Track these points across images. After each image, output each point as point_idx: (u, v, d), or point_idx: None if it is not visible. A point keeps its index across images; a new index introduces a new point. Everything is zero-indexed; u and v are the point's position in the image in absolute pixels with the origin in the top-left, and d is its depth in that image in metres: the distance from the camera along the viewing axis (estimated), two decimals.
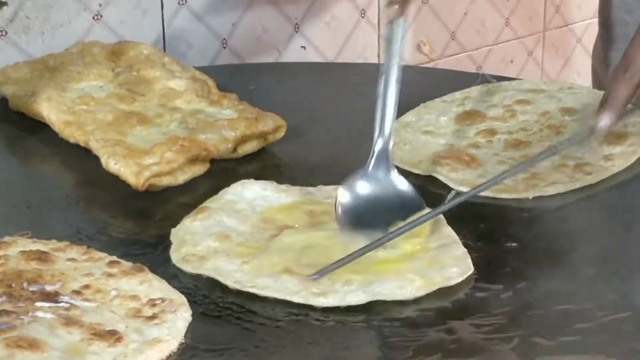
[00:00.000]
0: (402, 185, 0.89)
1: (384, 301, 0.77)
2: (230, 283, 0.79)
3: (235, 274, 0.80)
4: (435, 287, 0.78)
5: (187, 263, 0.82)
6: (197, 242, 0.85)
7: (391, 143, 0.89)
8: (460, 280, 0.79)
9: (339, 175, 0.97)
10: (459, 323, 0.74)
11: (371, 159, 0.89)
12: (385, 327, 0.74)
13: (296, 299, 0.76)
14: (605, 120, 0.92)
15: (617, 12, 1.36)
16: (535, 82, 1.22)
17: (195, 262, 0.82)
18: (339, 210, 0.86)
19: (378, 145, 0.89)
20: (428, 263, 0.81)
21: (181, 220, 0.89)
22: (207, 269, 0.81)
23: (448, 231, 0.85)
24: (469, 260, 0.81)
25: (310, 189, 0.94)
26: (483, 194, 0.95)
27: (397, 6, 0.92)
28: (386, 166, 0.89)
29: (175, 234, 0.87)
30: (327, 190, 0.93)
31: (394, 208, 0.87)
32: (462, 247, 0.83)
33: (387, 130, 0.89)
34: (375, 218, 0.86)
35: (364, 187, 0.88)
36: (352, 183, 0.88)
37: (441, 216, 0.87)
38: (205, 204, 0.90)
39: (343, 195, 0.87)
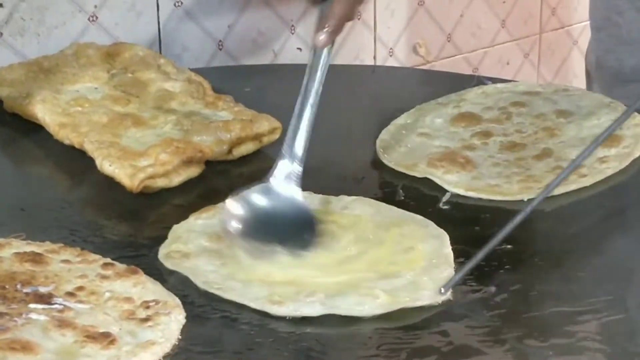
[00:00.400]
0: (302, 210, 0.87)
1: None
2: (199, 283, 0.79)
3: (209, 275, 0.80)
4: (398, 307, 0.76)
5: (169, 259, 0.83)
6: (189, 240, 0.85)
7: (301, 167, 0.89)
8: (428, 303, 0.77)
9: (334, 177, 0.98)
10: (453, 325, 0.74)
11: (271, 174, 0.88)
12: (379, 330, 0.74)
13: (253, 305, 0.76)
14: (322, 37, 0.92)
15: (608, 14, 1.36)
16: (531, 84, 1.22)
17: (177, 259, 0.83)
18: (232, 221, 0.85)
19: (286, 166, 0.88)
20: (406, 281, 0.80)
21: (176, 221, 0.89)
22: (184, 267, 0.81)
23: (447, 252, 0.84)
24: (450, 285, 0.79)
25: (331, 197, 0.93)
26: (478, 196, 0.95)
27: (325, 35, 0.92)
28: (290, 187, 0.88)
29: (175, 231, 0.87)
30: (346, 201, 0.93)
31: (286, 227, 0.87)
32: (452, 269, 0.81)
33: (299, 153, 0.89)
34: (267, 232, 0.85)
35: (260, 201, 0.87)
36: (249, 194, 0.87)
37: (446, 237, 0.86)
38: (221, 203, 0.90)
39: (235, 207, 0.86)
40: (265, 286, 0.78)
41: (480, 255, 0.81)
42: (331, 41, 0.93)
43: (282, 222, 0.87)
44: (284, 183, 0.88)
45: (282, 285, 0.79)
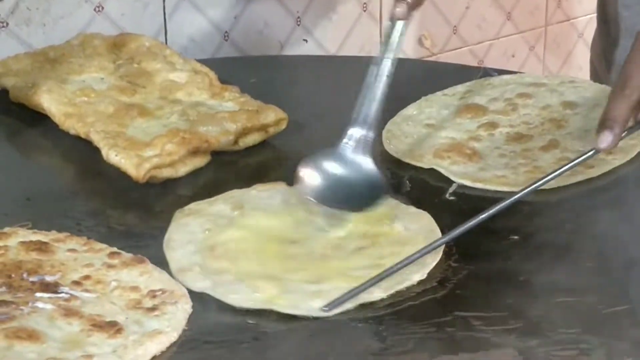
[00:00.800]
0: (371, 171, 0.89)
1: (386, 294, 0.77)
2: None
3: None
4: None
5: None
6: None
7: (373, 134, 0.90)
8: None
9: None
10: (459, 316, 0.74)
11: (347, 142, 0.89)
12: (386, 320, 0.74)
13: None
14: (606, 142, 0.93)
15: (616, 8, 1.36)
16: (537, 75, 1.22)
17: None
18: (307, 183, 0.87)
19: (357, 132, 0.90)
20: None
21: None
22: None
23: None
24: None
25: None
26: (485, 187, 0.95)
27: (404, 7, 0.92)
28: (363, 152, 0.89)
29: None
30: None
31: (358, 191, 0.89)
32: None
33: (370, 120, 0.90)
34: (340, 197, 0.87)
35: (335, 167, 0.89)
36: (322, 160, 0.89)
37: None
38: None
39: (310, 173, 0.88)
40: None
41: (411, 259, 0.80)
42: (409, 14, 0.93)
43: (352, 188, 0.88)
44: (355, 149, 0.89)
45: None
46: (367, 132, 0.90)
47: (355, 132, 0.90)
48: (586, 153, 0.94)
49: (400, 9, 0.93)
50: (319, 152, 0.90)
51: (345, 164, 0.89)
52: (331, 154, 0.89)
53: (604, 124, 0.93)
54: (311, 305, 0.75)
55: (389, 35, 0.93)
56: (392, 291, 0.77)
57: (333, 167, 0.89)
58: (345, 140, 0.90)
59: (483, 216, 0.85)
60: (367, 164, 0.89)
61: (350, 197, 0.88)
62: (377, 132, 0.92)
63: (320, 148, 0.91)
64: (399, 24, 0.93)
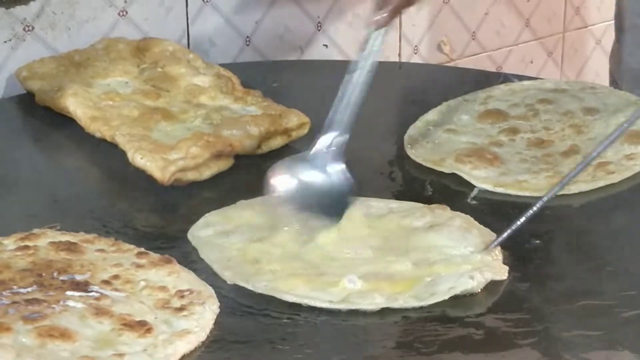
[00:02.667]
0: (342, 178, 0.88)
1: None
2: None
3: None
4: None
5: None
6: None
7: (343, 137, 0.89)
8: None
9: (362, 172, 0.98)
10: (483, 318, 0.75)
11: (316, 148, 0.88)
12: (411, 321, 0.75)
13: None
14: (378, 18, 0.91)
15: (633, 18, 1.37)
16: (557, 81, 1.23)
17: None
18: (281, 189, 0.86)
19: (326, 138, 0.88)
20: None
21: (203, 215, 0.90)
22: None
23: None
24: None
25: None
26: (506, 192, 0.95)
27: (385, 15, 0.92)
28: (335, 158, 0.88)
29: None
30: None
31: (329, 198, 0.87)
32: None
33: (341, 123, 0.89)
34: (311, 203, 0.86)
35: (309, 175, 0.87)
36: (293, 166, 0.87)
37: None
38: None
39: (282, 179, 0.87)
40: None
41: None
42: (386, 23, 0.92)
43: (319, 193, 0.87)
44: (324, 154, 0.88)
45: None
46: (340, 136, 0.88)
47: (329, 137, 0.88)
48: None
49: (380, 18, 0.92)
50: (289, 158, 0.89)
51: (317, 170, 0.87)
52: (302, 160, 0.88)
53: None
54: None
55: (367, 42, 0.92)
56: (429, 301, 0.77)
57: (305, 174, 0.87)
58: (317, 145, 0.88)
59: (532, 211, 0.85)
60: (338, 170, 0.88)
61: (322, 204, 0.87)
62: (349, 137, 0.90)
63: (348, 154, 0.90)
64: (379, 32, 0.92)
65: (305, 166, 0.87)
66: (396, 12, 0.93)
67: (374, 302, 0.76)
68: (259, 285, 0.78)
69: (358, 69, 0.90)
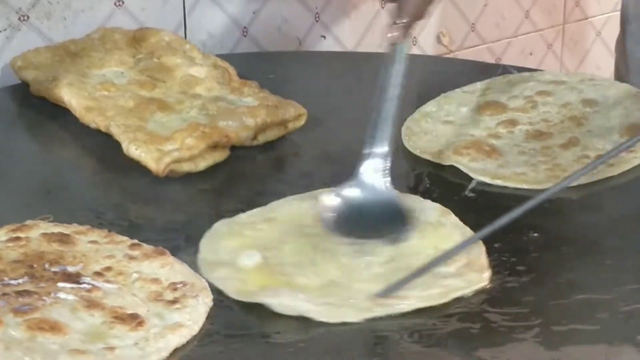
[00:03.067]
0: (394, 198, 0.87)
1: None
2: None
3: None
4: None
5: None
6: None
7: (387, 162, 0.88)
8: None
9: (355, 164, 0.97)
10: (480, 312, 0.74)
11: (362, 169, 0.87)
12: (407, 316, 0.74)
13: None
14: (395, 34, 0.92)
15: (636, 6, 1.36)
16: (557, 73, 1.22)
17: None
18: (326, 213, 0.85)
19: (378, 159, 0.88)
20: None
21: (201, 205, 0.89)
22: None
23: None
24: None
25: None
26: (504, 184, 0.95)
27: (401, 29, 0.92)
28: (382, 178, 0.87)
29: None
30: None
31: (382, 219, 0.86)
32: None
33: (382, 149, 0.88)
34: (363, 225, 0.85)
35: (355, 194, 0.87)
36: (345, 189, 0.87)
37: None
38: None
39: (332, 199, 0.86)
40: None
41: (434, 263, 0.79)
42: (406, 35, 0.92)
43: (374, 216, 0.86)
44: (373, 178, 0.87)
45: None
46: (381, 160, 0.88)
47: (369, 164, 0.88)
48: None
49: (397, 33, 0.92)
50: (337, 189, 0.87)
51: (366, 192, 0.87)
52: (351, 184, 0.87)
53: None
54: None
55: (391, 61, 0.91)
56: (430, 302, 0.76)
57: (353, 195, 0.86)
58: (360, 170, 0.87)
59: (527, 206, 0.83)
60: (388, 191, 0.87)
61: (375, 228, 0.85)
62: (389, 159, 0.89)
63: (339, 146, 0.90)
64: (401, 47, 0.92)
65: (355, 190, 0.87)
66: (409, 26, 0.93)
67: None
68: None
69: (391, 86, 0.90)
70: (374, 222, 0.86)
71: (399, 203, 0.86)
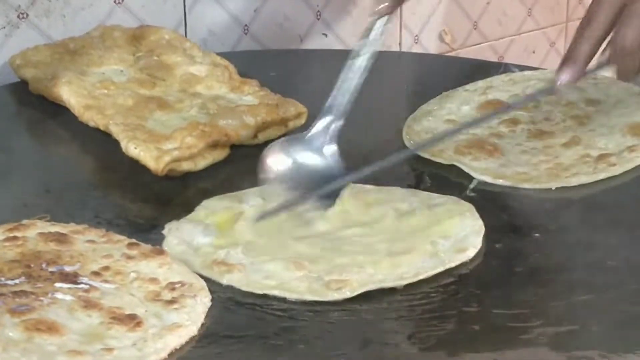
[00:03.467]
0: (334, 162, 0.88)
1: (402, 289, 0.76)
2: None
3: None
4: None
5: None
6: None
7: (339, 121, 0.89)
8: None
9: (360, 162, 0.97)
10: (480, 312, 0.74)
11: (315, 130, 0.88)
12: (407, 316, 0.74)
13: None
14: (565, 76, 0.90)
15: None
16: None
17: None
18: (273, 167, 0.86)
19: (324, 121, 0.89)
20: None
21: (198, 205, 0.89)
22: None
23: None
24: None
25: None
26: (506, 183, 0.94)
27: (387, 3, 0.92)
28: (330, 142, 0.88)
29: None
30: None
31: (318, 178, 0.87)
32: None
33: (339, 108, 0.89)
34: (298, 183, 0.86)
35: (301, 155, 0.87)
36: (293, 147, 0.88)
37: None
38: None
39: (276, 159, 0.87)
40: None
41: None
42: (389, 12, 0.92)
43: (312, 175, 0.87)
44: (321, 136, 0.88)
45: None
46: (337, 121, 0.89)
47: (326, 121, 0.89)
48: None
49: (384, 6, 0.92)
50: (285, 138, 0.89)
51: (312, 152, 0.87)
52: (298, 141, 0.88)
53: (566, 60, 0.91)
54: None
55: (370, 30, 0.92)
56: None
57: (301, 154, 0.87)
58: (314, 128, 0.88)
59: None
60: (333, 152, 0.88)
61: (313, 183, 0.86)
62: (350, 127, 0.90)
63: (339, 144, 0.89)
64: (382, 20, 0.92)
65: (301, 147, 0.87)
66: (398, 1, 0.92)
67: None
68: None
69: (359, 56, 0.90)
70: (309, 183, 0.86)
71: (336, 168, 0.87)
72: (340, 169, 0.87)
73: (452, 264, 0.79)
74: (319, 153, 0.87)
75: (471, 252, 0.80)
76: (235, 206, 0.88)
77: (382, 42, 0.92)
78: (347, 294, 0.75)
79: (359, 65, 0.90)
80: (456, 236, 0.82)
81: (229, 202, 0.89)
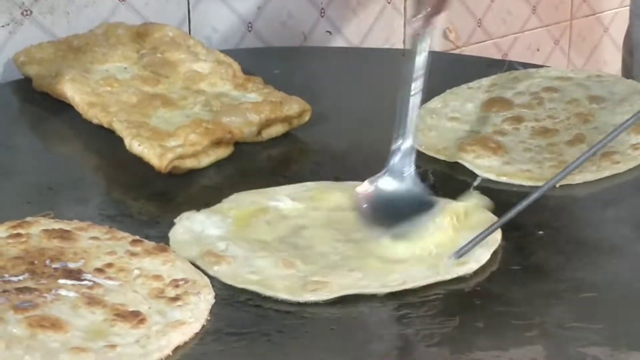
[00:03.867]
0: (418, 184, 0.88)
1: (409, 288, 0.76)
2: None
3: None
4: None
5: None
6: None
7: (414, 152, 0.89)
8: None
9: (364, 160, 0.97)
10: (483, 310, 0.74)
11: (394, 157, 0.88)
12: (412, 314, 0.74)
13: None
14: (417, 24, 0.90)
15: None
16: (563, 69, 1.21)
17: None
18: (362, 202, 0.86)
19: (404, 144, 0.88)
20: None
21: (204, 202, 0.88)
22: None
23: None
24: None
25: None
26: (509, 181, 0.94)
27: (421, 23, 0.91)
28: (409, 164, 0.88)
29: None
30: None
31: (408, 205, 0.87)
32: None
33: (410, 133, 0.89)
34: (393, 214, 0.86)
35: (387, 183, 0.87)
36: (375, 179, 0.87)
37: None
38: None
39: (366, 189, 0.87)
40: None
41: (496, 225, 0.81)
42: (428, 25, 0.91)
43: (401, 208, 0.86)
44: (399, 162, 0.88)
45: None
46: (405, 142, 0.88)
47: (403, 145, 0.88)
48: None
49: (418, 25, 0.92)
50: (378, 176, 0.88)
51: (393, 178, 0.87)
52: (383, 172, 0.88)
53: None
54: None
55: (414, 52, 0.91)
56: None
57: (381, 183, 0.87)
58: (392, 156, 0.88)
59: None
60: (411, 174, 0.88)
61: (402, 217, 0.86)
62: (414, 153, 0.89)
63: (343, 142, 0.89)
64: (423, 37, 0.91)
65: (384, 177, 0.87)
66: (429, 18, 0.92)
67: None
68: None
69: (417, 80, 0.89)
70: (403, 215, 0.86)
71: (425, 198, 0.87)
72: (420, 187, 0.87)
73: (449, 277, 0.78)
74: (400, 178, 0.87)
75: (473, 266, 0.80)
76: (262, 202, 0.88)
77: (428, 49, 0.91)
78: (324, 296, 0.75)
79: (417, 88, 0.89)
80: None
81: (257, 197, 0.89)
